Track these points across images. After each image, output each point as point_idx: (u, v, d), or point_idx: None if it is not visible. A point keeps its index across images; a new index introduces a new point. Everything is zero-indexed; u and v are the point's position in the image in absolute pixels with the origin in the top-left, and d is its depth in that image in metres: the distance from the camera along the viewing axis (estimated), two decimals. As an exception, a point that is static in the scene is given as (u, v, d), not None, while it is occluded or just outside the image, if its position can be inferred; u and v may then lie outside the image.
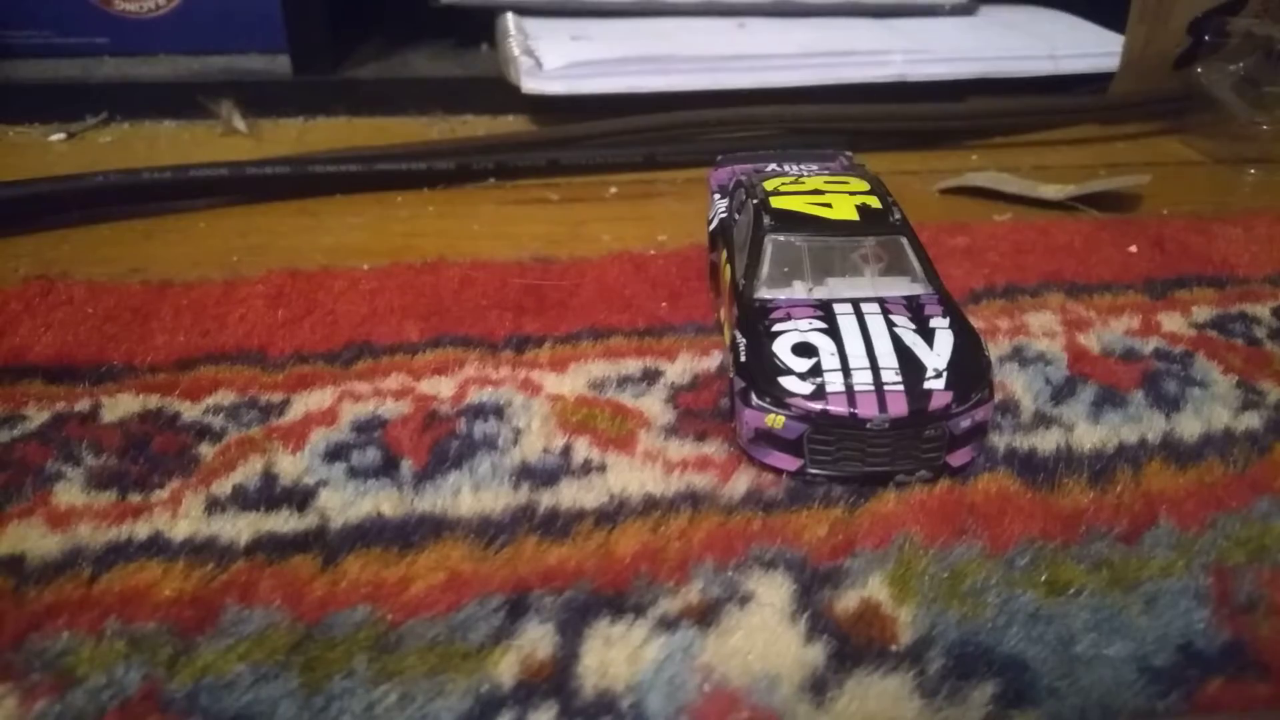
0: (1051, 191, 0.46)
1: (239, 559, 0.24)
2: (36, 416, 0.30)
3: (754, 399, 0.27)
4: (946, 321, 0.28)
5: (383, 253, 0.41)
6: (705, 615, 0.23)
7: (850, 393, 0.26)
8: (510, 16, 0.62)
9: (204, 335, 0.34)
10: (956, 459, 0.27)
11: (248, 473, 0.28)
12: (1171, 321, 0.35)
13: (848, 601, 0.23)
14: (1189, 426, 0.29)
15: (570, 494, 0.27)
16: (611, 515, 0.26)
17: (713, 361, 0.33)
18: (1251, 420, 0.30)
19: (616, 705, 0.21)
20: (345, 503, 0.26)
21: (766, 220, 0.31)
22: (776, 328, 0.28)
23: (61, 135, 0.55)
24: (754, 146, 0.44)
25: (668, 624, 0.23)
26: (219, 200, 0.46)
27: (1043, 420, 0.30)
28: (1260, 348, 0.34)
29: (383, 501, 0.26)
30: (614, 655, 0.22)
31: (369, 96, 0.60)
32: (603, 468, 0.28)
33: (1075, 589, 0.23)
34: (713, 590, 0.24)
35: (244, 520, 0.26)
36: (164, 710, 0.21)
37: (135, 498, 0.27)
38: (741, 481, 0.27)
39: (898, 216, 0.31)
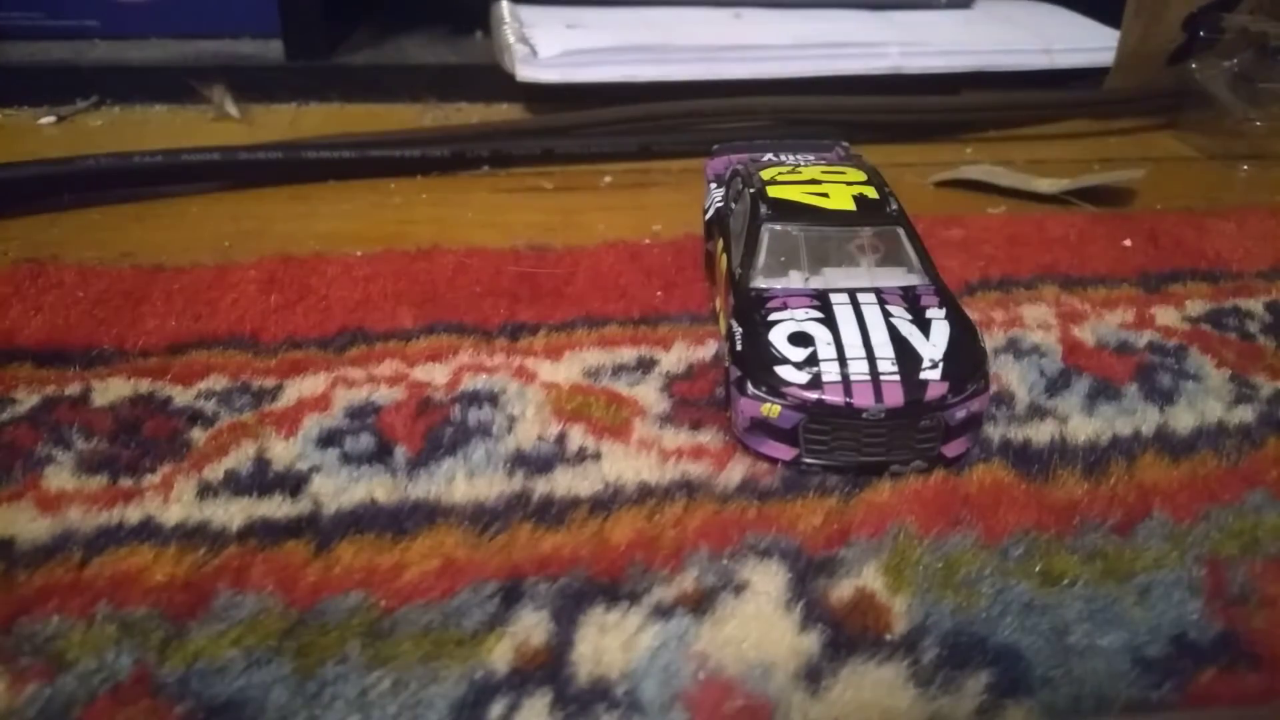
0: (1046, 185, 0.46)
1: (231, 544, 0.24)
2: (26, 400, 0.30)
3: (750, 388, 0.27)
4: (943, 312, 0.28)
5: (376, 239, 0.40)
6: (700, 603, 0.23)
7: (846, 382, 0.26)
8: (505, 4, 0.62)
9: (196, 320, 0.34)
10: (951, 449, 0.27)
11: (240, 458, 0.27)
12: (1165, 315, 0.35)
13: (842, 591, 0.23)
14: (1183, 419, 0.30)
15: (565, 481, 0.27)
16: (606, 503, 0.26)
17: (708, 351, 0.33)
18: (1244, 414, 0.30)
19: (611, 693, 0.21)
20: (338, 489, 0.26)
21: (763, 209, 0.31)
22: (773, 317, 0.28)
23: (51, 118, 0.55)
24: (750, 136, 0.44)
25: (662, 612, 0.23)
26: (211, 185, 0.46)
27: (1037, 412, 0.30)
28: (1253, 342, 0.34)
29: (376, 488, 0.26)
30: (608, 643, 0.22)
31: (362, 82, 0.59)
32: (597, 455, 0.28)
33: (1069, 580, 0.24)
34: (707, 578, 0.24)
35: (236, 505, 0.26)
36: (155, 695, 0.20)
37: (126, 482, 0.26)
38: (736, 470, 0.27)
39: (894, 207, 0.31)
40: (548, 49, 0.55)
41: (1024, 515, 0.25)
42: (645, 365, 0.32)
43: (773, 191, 0.32)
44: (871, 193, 0.32)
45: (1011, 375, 0.32)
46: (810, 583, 0.23)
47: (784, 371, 0.26)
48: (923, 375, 0.26)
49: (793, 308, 0.28)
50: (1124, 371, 0.32)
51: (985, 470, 0.27)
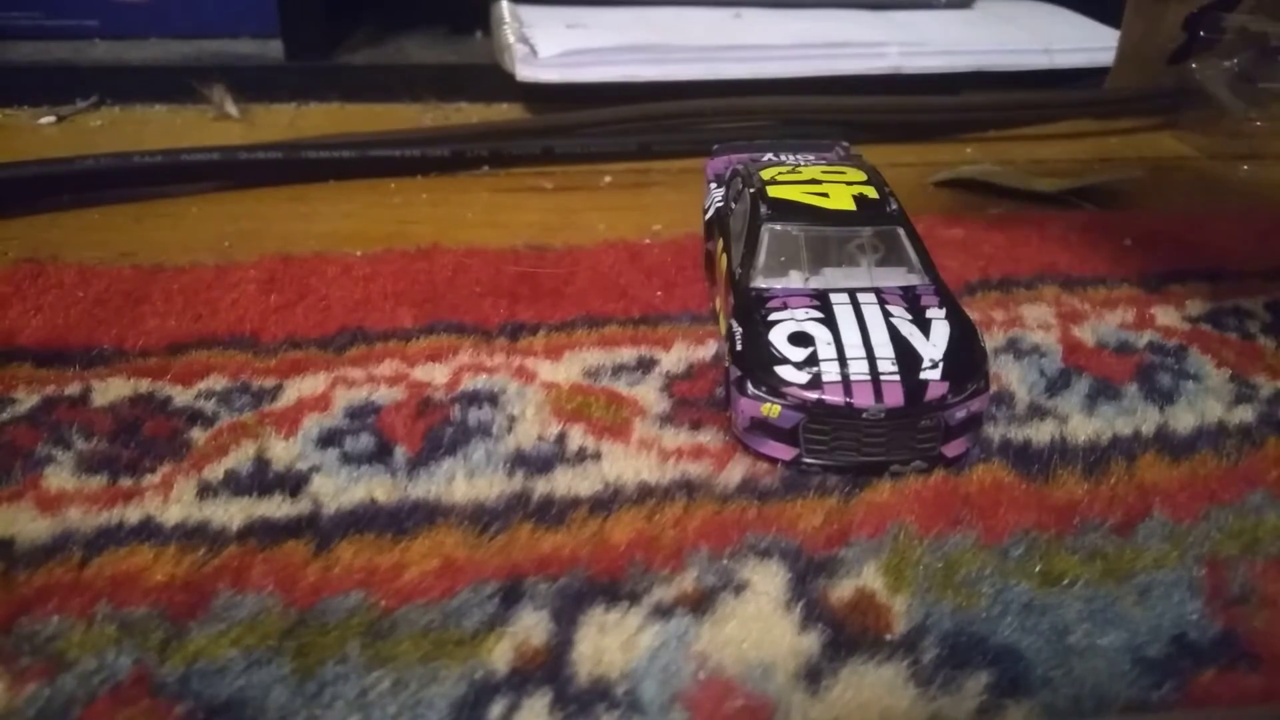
0: (1046, 185, 0.46)
1: (231, 544, 0.24)
2: (26, 400, 0.30)
3: (750, 388, 0.27)
4: (943, 312, 0.28)
5: (376, 239, 0.40)
6: (700, 603, 0.23)
7: (846, 382, 0.26)
8: (505, 3, 0.62)
9: (196, 320, 0.34)
10: (951, 449, 0.27)
11: (240, 458, 0.27)
12: (1165, 315, 0.35)
13: (842, 591, 0.23)
14: (1183, 419, 0.30)
15: (565, 481, 0.27)
16: (606, 503, 0.26)
17: (708, 350, 0.33)
18: (1244, 414, 0.30)
19: (611, 693, 0.21)
20: (338, 489, 0.26)
21: (763, 209, 0.31)
22: (773, 317, 0.28)
23: (51, 118, 0.55)
24: (750, 136, 0.44)
25: (662, 612, 0.23)
26: (211, 185, 0.46)
27: (1037, 412, 0.30)
28: (1253, 342, 0.34)
29: (376, 488, 0.26)
30: (608, 643, 0.22)
31: (362, 82, 0.59)
32: (597, 455, 0.28)
33: (1069, 580, 0.24)
34: (707, 578, 0.24)
35: (236, 505, 0.26)
36: (155, 695, 0.20)
37: (126, 482, 0.26)
38: (736, 470, 0.27)
39: (894, 207, 0.31)
40: (547, 49, 0.55)
41: (1024, 515, 0.25)
42: (645, 365, 0.32)
43: (773, 191, 0.32)
44: (871, 193, 0.32)
45: (1011, 375, 0.32)
46: (810, 583, 0.23)
47: (784, 371, 0.26)
48: (923, 375, 0.26)
49: (793, 308, 0.28)
50: (1124, 371, 0.32)
51: (985, 470, 0.27)
